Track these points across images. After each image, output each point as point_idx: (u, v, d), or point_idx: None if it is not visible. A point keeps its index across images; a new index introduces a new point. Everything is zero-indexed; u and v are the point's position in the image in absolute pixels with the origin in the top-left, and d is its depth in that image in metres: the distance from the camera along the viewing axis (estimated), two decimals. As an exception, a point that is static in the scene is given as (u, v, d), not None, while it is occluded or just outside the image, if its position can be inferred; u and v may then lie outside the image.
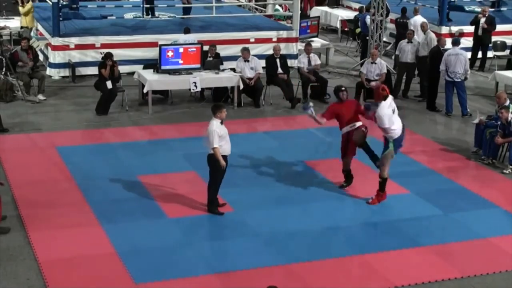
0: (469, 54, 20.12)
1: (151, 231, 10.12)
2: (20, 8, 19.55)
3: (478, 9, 21.21)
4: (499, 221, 10.85)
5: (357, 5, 23.75)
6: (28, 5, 19.68)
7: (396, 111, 10.99)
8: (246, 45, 17.72)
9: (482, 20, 20.01)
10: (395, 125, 10.86)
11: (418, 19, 19.11)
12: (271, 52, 17.22)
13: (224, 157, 10.44)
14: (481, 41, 20.13)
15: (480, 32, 20.05)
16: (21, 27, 19.97)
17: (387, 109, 10.77)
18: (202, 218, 10.58)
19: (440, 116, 16.02)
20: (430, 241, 10.08)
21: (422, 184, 11.45)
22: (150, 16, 20.31)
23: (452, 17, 21.62)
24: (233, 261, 9.37)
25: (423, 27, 17.93)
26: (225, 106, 10.73)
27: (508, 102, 13.12)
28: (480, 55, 20.32)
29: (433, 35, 17.65)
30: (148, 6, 20.32)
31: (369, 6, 22.72)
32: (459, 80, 15.66)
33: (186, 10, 20.82)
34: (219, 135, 10.30)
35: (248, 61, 16.32)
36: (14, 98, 16.08)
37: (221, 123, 10.44)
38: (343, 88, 11.60)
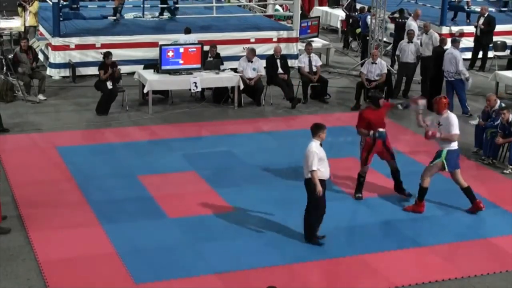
0: (469, 55, 20.24)
1: (151, 231, 10.12)
2: (31, 8, 19.55)
3: (478, 9, 21.21)
4: (499, 221, 10.86)
5: (357, 5, 23.72)
6: (37, 4, 19.69)
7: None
8: (247, 45, 17.74)
9: (481, 20, 20.02)
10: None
11: (412, 23, 18.94)
12: (271, 52, 17.23)
13: (322, 181, 9.67)
14: (479, 41, 20.15)
15: (478, 32, 20.08)
16: (25, 27, 19.92)
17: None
18: (202, 218, 10.58)
19: (440, 116, 16.00)
20: (430, 241, 10.09)
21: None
22: (172, 15, 20.22)
23: (451, 16, 21.67)
24: (233, 261, 9.36)
25: (426, 27, 17.92)
26: (326, 126, 9.86)
27: (498, 103, 13.20)
28: (480, 55, 20.33)
29: (436, 35, 17.67)
30: (168, 6, 20.28)
31: (349, 6, 23.03)
32: (453, 79, 15.75)
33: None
34: (319, 158, 9.56)
35: (251, 61, 16.32)
36: (15, 98, 16.08)
37: (321, 144, 9.73)
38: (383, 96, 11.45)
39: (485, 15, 20.09)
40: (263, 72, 16.50)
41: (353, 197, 11.38)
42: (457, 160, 10.86)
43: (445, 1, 20.85)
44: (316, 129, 9.75)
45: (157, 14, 20.55)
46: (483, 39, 20.07)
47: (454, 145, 10.78)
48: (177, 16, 20.52)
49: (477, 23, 20.18)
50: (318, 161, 9.54)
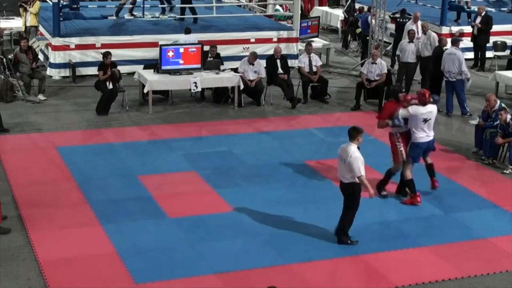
0: (469, 54, 20.23)
1: (151, 231, 10.12)
2: (32, 9, 19.54)
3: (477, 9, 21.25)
4: (499, 221, 10.87)
5: (357, 5, 23.78)
6: (38, 4, 19.68)
7: (431, 123, 11.17)
8: (247, 45, 17.65)
9: (478, 19, 20.02)
10: (420, 133, 11.13)
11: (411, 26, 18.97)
12: (271, 52, 17.23)
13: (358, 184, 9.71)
14: (476, 41, 20.15)
15: (475, 31, 20.09)
16: (26, 27, 19.90)
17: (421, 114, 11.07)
18: (202, 218, 10.58)
19: (440, 116, 15.91)
20: (430, 241, 10.09)
21: (422, 184, 11.44)
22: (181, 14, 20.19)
23: (451, 17, 21.66)
24: (233, 261, 9.36)
25: (424, 27, 17.92)
26: (363, 130, 9.82)
27: (498, 103, 13.19)
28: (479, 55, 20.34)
29: (435, 35, 17.68)
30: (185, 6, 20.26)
31: (349, 7, 23.04)
32: (454, 79, 15.73)
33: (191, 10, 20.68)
34: (362, 162, 9.53)
35: (253, 64, 16.32)
36: (15, 98, 16.09)
37: (358, 147, 9.66)
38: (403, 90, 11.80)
39: (482, 14, 20.08)
40: (264, 75, 16.50)
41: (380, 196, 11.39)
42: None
43: (445, 1, 20.86)
44: (355, 133, 9.69)
45: (157, 14, 20.54)
46: (480, 39, 20.06)
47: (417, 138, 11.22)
48: (176, 17, 20.46)
49: (474, 22, 20.18)
50: (362, 165, 9.55)
